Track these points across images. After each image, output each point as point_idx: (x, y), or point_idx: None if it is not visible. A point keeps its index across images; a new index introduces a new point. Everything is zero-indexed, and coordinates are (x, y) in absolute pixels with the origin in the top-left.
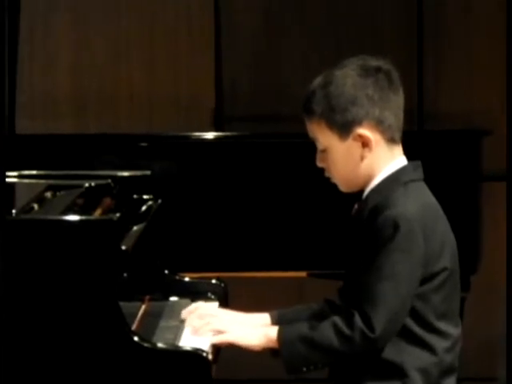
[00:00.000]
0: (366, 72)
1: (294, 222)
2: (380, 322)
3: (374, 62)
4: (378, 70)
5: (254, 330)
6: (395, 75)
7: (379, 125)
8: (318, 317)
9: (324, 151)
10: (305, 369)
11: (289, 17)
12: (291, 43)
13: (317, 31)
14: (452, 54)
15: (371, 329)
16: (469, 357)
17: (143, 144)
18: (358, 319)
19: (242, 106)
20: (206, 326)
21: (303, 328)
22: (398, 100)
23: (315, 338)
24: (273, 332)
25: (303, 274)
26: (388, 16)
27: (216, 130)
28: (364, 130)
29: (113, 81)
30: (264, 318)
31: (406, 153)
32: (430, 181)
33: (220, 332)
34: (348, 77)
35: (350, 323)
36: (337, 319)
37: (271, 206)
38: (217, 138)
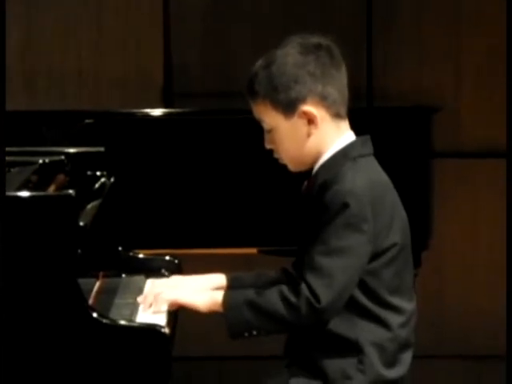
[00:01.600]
0: (307, 49)
1: (244, 199)
2: (326, 293)
3: (314, 40)
4: (318, 46)
5: (201, 293)
6: (336, 51)
7: (323, 101)
8: (275, 285)
9: (271, 132)
10: (247, 334)
11: None
12: (240, 19)
13: (266, 8)
14: (401, 30)
15: (317, 299)
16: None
17: (94, 121)
18: (304, 288)
19: (191, 83)
20: (156, 297)
21: (250, 293)
22: (340, 75)
23: (261, 304)
24: (218, 295)
25: (253, 250)
26: None
27: (165, 107)
28: (308, 107)
29: (61, 57)
30: (220, 278)
31: (356, 130)
32: (381, 158)
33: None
34: (289, 55)
35: (296, 291)
36: (283, 287)
37: (222, 183)
38: (166, 115)
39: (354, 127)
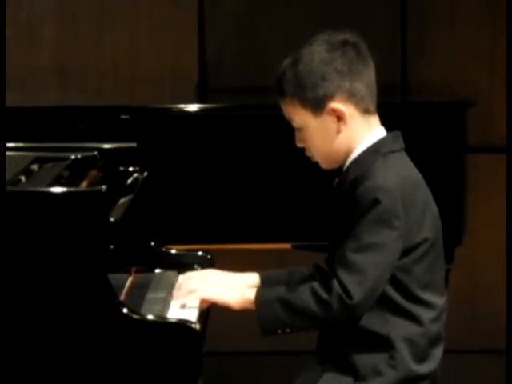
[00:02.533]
0: (333, 46)
1: (278, 194)
2: (357, 289)
3: (340, 36)
4: (344, 43)
5: (232, 289)
6: (363, 47)
7: (351, 97)
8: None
9: (301, 130)
10: (280, 331)
11: None
12: (275, 14)
13: (299, 4)
14: (435, 25)
15: (348, 295)
16: (452, 329)
17: (128, 116)
18: (336, 285)
19: (225, 78)
20: (190, 293)
21: (281, 290)
22: (368, 71)
23: (292, 301)
24: (250, 293)
25: (288, 245)
26: None
27: (200, 102)
28: (337, 104)
29: (96, 54)
30: (253, 277)
31: (390, 125)
32: (415, 153)
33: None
34: (315, 53)
35: (328, 288)
36: (315, 284)
37: (256, 178)
38: (201, 110)
39: (388, 122)
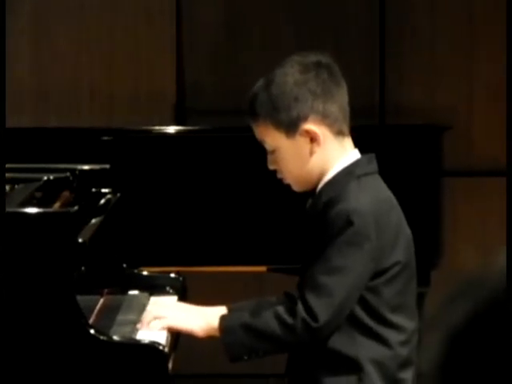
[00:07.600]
0: (306, 67)
1: (254, 217)
2: (323, 312)
3: (313, 57)
4: (317, 64)
5: (197, 317)
6: (336, 68)
7: (325, 119)
8: None
9: (273, 152)
10: (246, 357)
11: (250, 12)
12: (252, 37)
13: (278, 28)
14: (414, 49)
15: (314, 318)
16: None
17: (104, 138)
18: (300, 308)
19: (203, 101)
20: (156, 319)
21: (245, 316)
22: (341, 92)
23: (257, 326)
24: (214, 320)
25: (263, 268)
26: (350, 12)
27: (177, 125)
28: (310, 125)
29: (73, 76)
30: (221, 310)
31: (367, 147)
32: (391, 175)
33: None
34: (288, 75)
35: (292, 312)
36: (279, 308)
37: (231, 201)
38: (178, 132)
39: (365, 144)
